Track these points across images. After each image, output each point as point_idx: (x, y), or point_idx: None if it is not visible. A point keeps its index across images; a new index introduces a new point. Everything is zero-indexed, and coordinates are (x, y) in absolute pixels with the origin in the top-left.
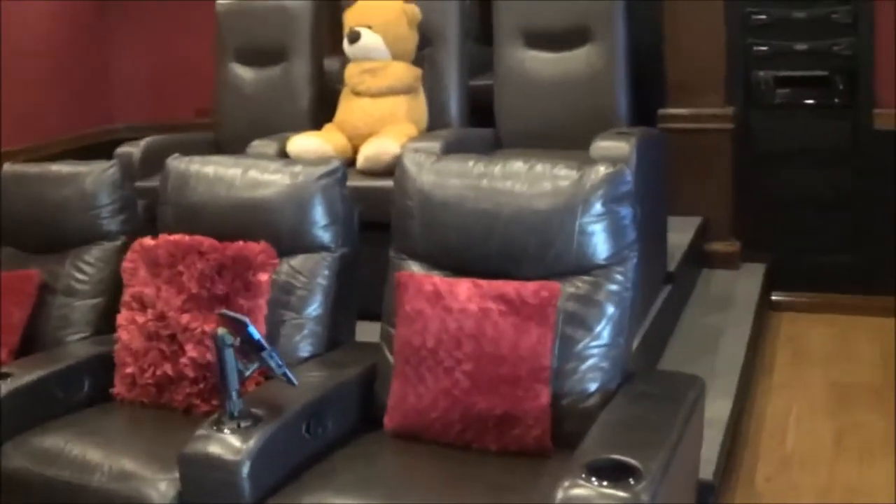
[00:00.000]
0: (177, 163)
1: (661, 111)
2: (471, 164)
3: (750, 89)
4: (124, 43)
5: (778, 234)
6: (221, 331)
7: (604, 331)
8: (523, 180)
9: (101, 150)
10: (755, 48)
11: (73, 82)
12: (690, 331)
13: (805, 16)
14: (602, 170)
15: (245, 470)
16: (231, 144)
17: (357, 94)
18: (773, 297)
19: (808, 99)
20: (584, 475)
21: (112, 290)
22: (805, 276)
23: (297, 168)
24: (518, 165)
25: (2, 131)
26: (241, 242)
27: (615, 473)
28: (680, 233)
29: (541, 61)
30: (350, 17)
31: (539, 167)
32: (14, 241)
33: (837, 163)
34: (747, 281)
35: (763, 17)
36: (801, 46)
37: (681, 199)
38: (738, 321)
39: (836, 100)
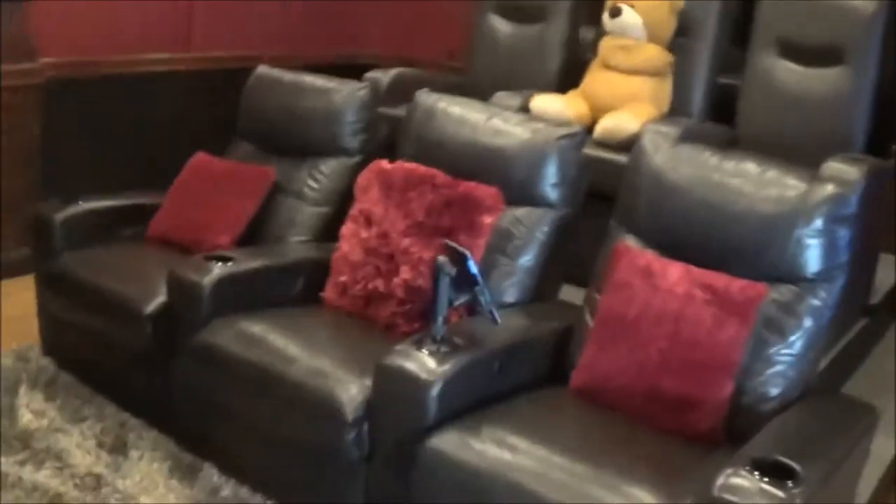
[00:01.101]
0: (426, 97)
1: None
2: (706, 155)
3: None
4: None
5: None
6: (442, 258)
7: (797, 341)
8: (753, 181)
9: (347, 72)
10: None
11: (330, 5)
12: (878, 367)
13: None
14: (830, 188)
15: (435, 390)
16: (477, 92)
17: (607, 67)
18: None
19: None
20: (747, 468)
21: (340, 203)
22: None
23: (540, 125)
24: (751, 166)
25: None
26: (473, 183)
27: (776, 472)
28: (890, 271)
29: (791, 73)
30: None
31: (771, 172)
32: (255, 138)
33: None
34: None
35: None
36: None
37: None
38: None
39: None
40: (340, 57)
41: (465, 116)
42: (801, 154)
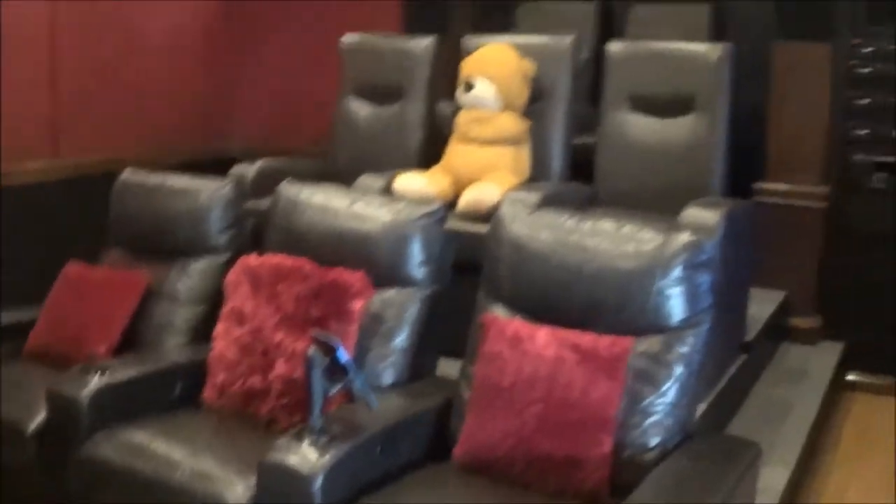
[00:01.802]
0: (288, 187)
1: (758, 184)
2: (563, 218)
3: (846, 171)
4: (248, 64)
5: (859, 315)
6: (313, 350)
7: (670, 389)
8: (611, 239)
9: (217, 167)
10: (855, 132)
11: (197, 98)
12: (761, 401)
13: None
14: (684, 237)
15: (318, 483)
16: (341, 175)
17: (466, 140)
18: (849, 377)
19: None
20: None
21: (212, 301)
22: (883, 358)
23: (401, 206)
24: (607, 225)
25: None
26: (340, 269)
27: None
28: (762, 304)
29: (644, 125)
30: (467, 67)
31: (626, 229)
32: (125, 242)
33: None
34: (824, 358)
35: (866, 102)
36: None
37: (767, 272)
38: (809, 397)
39: None
40: (209, 151)
41: (327, 204)
42: (662, 204)
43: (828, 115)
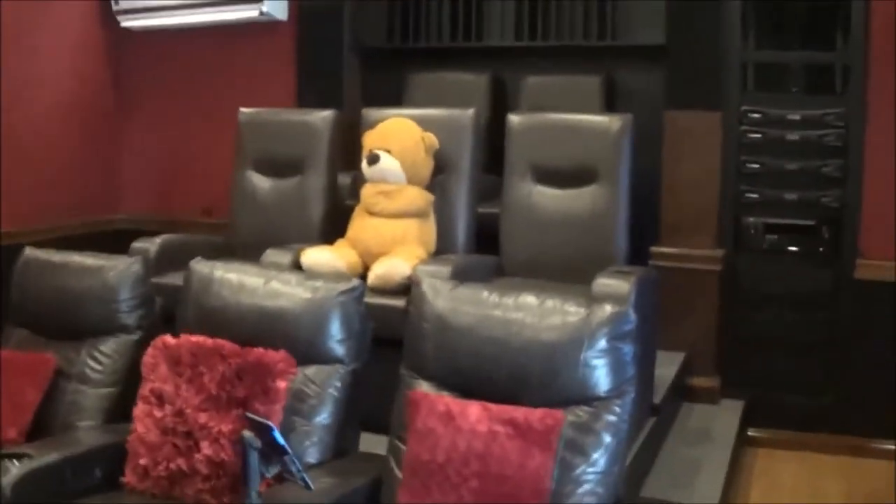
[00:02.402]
0: (201, 266)
1: (654, 248)
2: (485, 294)
3: (740, 233)
4: (135, 133)
5: (757, 373)
6: (247, 433)
7: (601, 458)
8: (535, 313)
9: (105, 239)
10: (747, 195)
11: (82, 170)
12: (671, 462)
13: (797, 167)
14: (608, 309)
15: None
16: (243, 249)
17: (371, 213)
18: (750, 433)
19: (795, 246)
20: None
21: (125, 382)
22: (781, 414)
23: (318, 283)
24: (530, 299)
25: (3, 211)
26: (261, 349)
27: None
28: (665, 367)
29: (547, 196)
30: (370, 140)
31: (550, 302)
32: (30, 323)
33: (818, 308)
34: (726, 416)
35: (756, 166)
36: (791, 196)
37: (666, 334)
38: (715, 455)
39: (821, 248)
40: (96, 223)
41: (243, 282)
42: (568, 273)
43: (719, 180)
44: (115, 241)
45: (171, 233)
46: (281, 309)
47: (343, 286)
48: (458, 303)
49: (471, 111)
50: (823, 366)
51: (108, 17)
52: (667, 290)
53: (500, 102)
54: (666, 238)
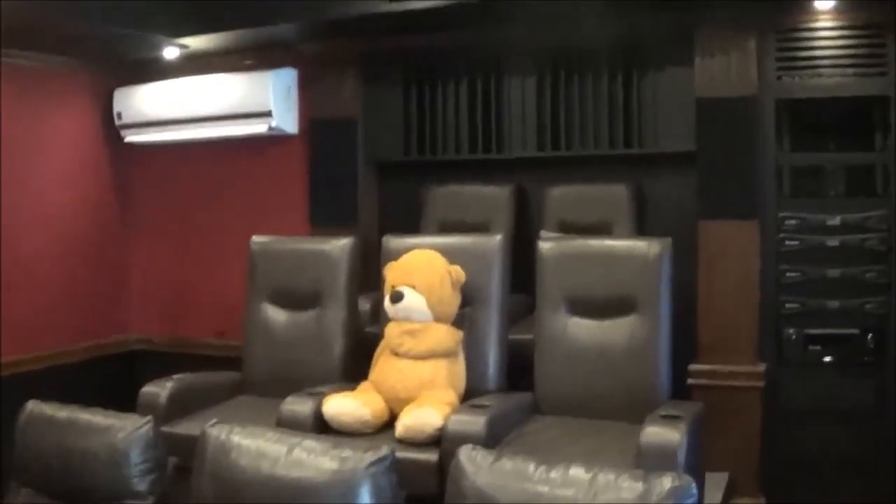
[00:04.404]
0: (216, 431)
1: (692, 366)
2: (530, 468)
3: (780, 346)
4: (143, 251)
5: (803, 491)
6: None
7: None
8: (585, 490)
9: (115, 361)
10: (787, 305)
11: (91, 292)
12: None
13: (838, 274)
14: (668, 483)
15: None
16: (259, 387)
17: (396, 354)
18: None
19: (838, 356)
20: None
21: None
22: None
23: (346, 453)
24: (579, 472)
25: (7, 338)
26: None
27: None
28: (709, 489)
29: (583, 328)
30: (392, 275)
31: (602, 476)
32: (33, 482)
33: (863, 421)
34: None
35: (796, 275)
36: (832, 304)
37: (708, 454)
38: None
39: (866, 358)
40: (106, 345)
41: (263, 450)
42: (608, 410)
43: (758, 291)
44: (127, 365)
45: (182, 353)
46: (305, 481)
47: (372, 456)
48: (500, 478)
49: (498, 237)
50: (871, 481)
51: (111, 132)
52: (707, 409)
53: (523, 214)
54: (704, 355)
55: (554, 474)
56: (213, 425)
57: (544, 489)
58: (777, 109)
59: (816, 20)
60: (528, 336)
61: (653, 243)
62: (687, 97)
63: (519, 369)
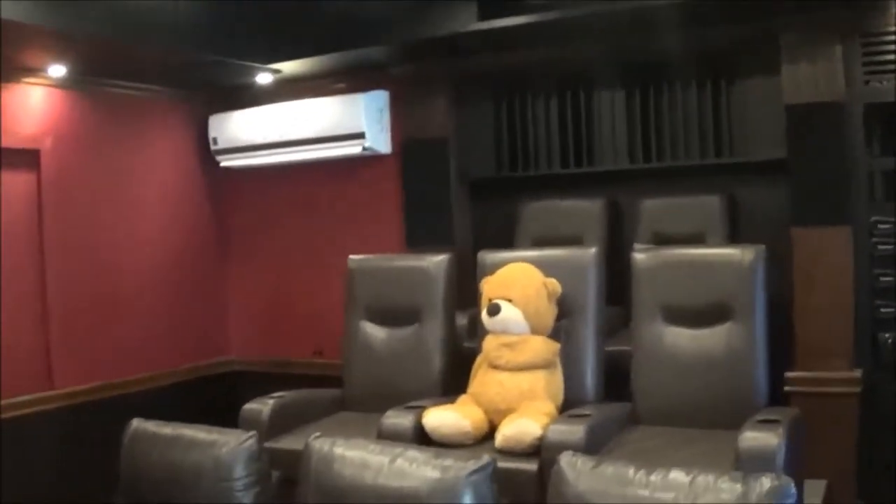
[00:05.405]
0: (320, 444)
1: (789, 374)
2: (630, 472)
3: (877, 351)
4: (241, 274)
5: None
6: None
7: None
8: (686, 493)
9: (218, 382)
10: (882, 310)
11: (191, 314)
12: None
13: None
14: (766, 484)
15: None
16: (359, 404)
17: (495, 367)
18: None
19: None
20: None
21: None
22: None
23: (448, 462)
24: (679, 476)
25: (111, 360)
26: None
27: None
28: (808, 497)
29: (680, 337)
30: (489, 289)
31: (701, 478)
32: (143, 500)
33: None
34: None
35: (891, 279)
36: None
37: (806, 461)
38: None
39: None
40: (208, 367)
41: (366, 461)
42: (706, 419)
43: (853, 297)
44: (227, 387)
45: (281, 373)
46: (408, 490)
47: (473, 464)
48: (601, 483)
49: (593, 250)
50: None
51: (207, 157)
52: (804, 416)
53: (616, 227)
54: (801, 362)
55: (654, 478)
56: (316, 438)
57: (644, 493)
58: (865, 114)
59: None
60: (625, 347)
61: (746, 250)
62: (776, 105)
63: (616, 381)
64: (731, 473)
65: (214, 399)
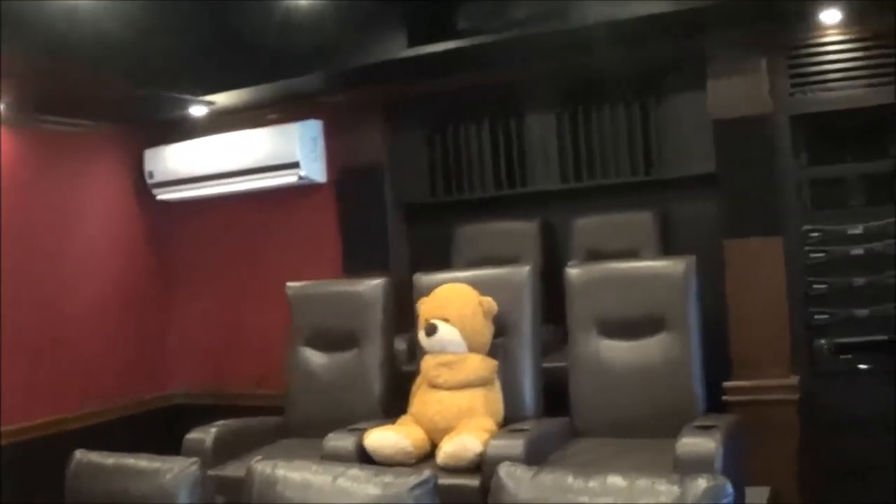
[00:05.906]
0: (262, 466)
1: (726, 384)
2: (570, 479)
3: (813, 357)
4: (181, 306)
5: (845, 501)
6: None
7: None
8: (625, 496)
9: (156, 416)
10: (816, 317)
11: (133, 348)
12: None
13: (865, 282)
14: (703, 484)
15: None
16: (301, 430)
17: (434, 386)
18: None
19: (870, 363)
20: None
21: None
22: None
23: (389, 479)
24: (617, 480)
25: (49, 396)
26: None
27: None
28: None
29: (616, 350)
30: (426, 310)
31: (638, 483)
32: None
33: None
34: None
35: (823, 286)
36: (861, 312)
37: (748, 469)
38: None
39: None
40: (150, 401)
41: (308, 480)
42: (648, 426)
43: (787, 305)
44: (169, 419)
45: (224, 405)
46: None
47: (415, 480)
48: (541, 492)
49: (527, 268)
50: None
51: (143, 191)
52: (745, 424)
53: (551, 247)
54: (738, 372)
55: (593, 484)
56: (258, 461)
57: (584, 499)
58: (792, 125)
59: (824, 35)
60: (562, 364)
61: (677, 262)
62: (704, 120)
63: (556, 397)
64: (668, 476)
65: (159, 432)
